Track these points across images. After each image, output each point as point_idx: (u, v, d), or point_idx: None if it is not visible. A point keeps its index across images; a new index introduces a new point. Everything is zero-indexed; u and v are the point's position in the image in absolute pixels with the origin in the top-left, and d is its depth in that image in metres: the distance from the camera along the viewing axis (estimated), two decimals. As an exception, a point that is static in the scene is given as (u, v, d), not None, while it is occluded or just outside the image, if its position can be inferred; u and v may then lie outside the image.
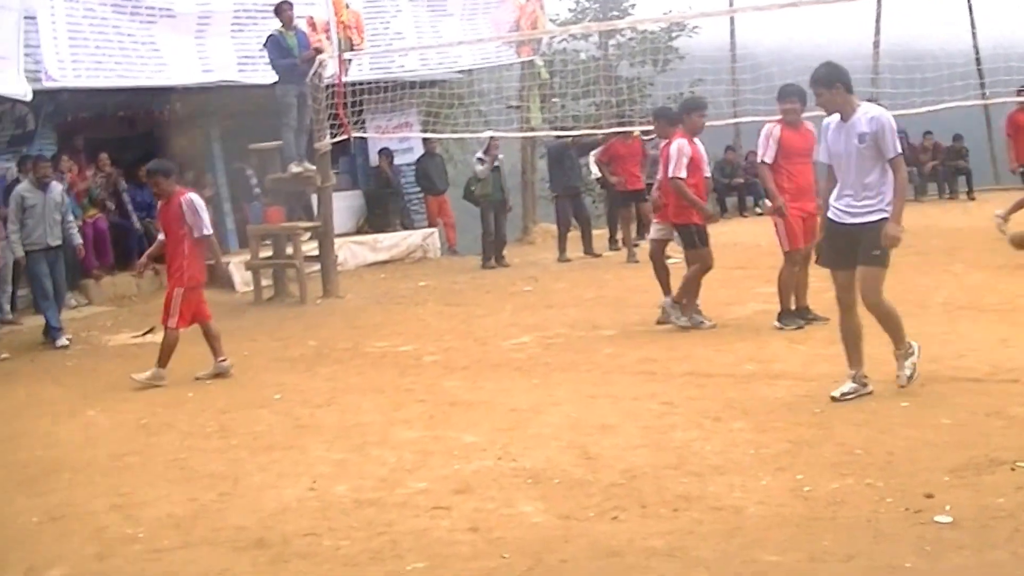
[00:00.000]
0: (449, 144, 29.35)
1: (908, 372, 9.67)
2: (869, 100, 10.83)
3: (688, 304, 13.46)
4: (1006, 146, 20.04)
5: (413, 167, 26.17)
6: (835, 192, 9.60)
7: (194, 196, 12.80)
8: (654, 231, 14.42)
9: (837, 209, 9.54)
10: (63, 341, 15.51)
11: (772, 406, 9.57)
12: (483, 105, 26.89)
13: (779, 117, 13.03)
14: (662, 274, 14.10)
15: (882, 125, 9.27)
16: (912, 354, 9.73)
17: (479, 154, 21.81)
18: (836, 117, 9.53)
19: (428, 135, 25.31)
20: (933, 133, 30.39)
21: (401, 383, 11.56)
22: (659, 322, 13.70)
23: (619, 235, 22.67)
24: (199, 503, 7.89)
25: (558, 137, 24.16)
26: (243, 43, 21.07)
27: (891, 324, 9.65)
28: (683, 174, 13.15)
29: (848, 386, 9.48)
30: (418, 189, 26.25)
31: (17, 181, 16.69)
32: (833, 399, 9.32)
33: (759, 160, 13.08)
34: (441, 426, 9.58)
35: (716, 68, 30.02)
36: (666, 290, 13.91)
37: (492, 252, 21.70)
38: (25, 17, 17.70)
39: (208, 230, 12.59)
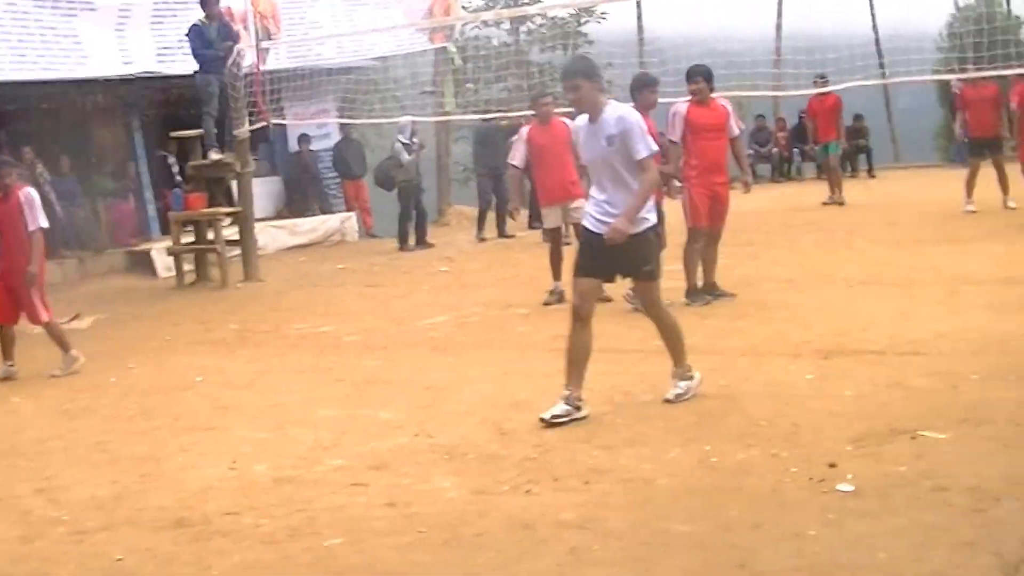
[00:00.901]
0: (365, 130, 29.43)
1: (679, 391, 8.95)
2: (729, 89, 11.00)
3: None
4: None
5: (331, 152, 26.35)
6: (591, 197, 8.93)
7: (32, 191, 12.73)
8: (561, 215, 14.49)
9: (593, 216, 8.79)
10: None
11: None
12: (399, 91, 26.98)
13: (687, 98, 13.32)
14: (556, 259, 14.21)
15: (629, 125, 8.56)
16: (691, 378, 9.06)
17: (402, 138, 21.94)
18: (585, 117, 8.83)
19: (345, 121, 25.46)
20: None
21: (320, 363, 11.69)
22: (546, 303, 14.01)
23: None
24: (121, 485, 7.91)
25: (486, 120, 24.34)
26: (163, 35, 21.16)
27: (673, 337, 9.01)
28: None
29: (560, 408, 8.48)
30: (335, 174, 26.44)
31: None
32: (543, 421, 8.39)
33: (668, 139, 13.14)
34: (359, 404, 9.70)
35: (624, 52, 30.17)
36: (558, 276, 14.06)
37: (409, 235, 21.84)
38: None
39: (45, 223, 12.60)
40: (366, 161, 26.86)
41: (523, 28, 34.32)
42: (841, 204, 22.98)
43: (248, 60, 19.71)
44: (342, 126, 25.77)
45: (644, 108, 13.00)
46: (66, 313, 16.45)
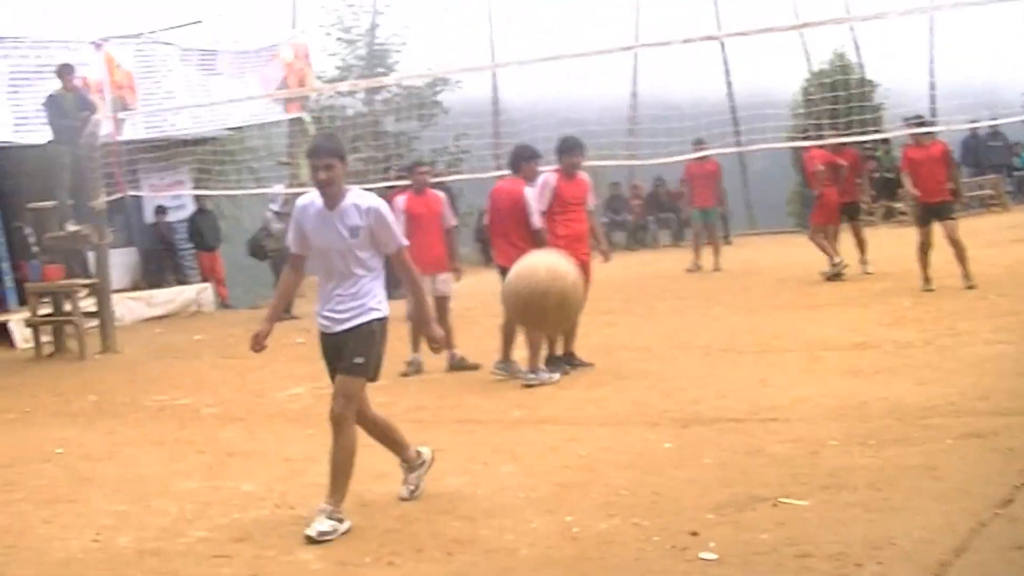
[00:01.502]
0: (221, 200, 29.45)
1: (412, 487, 8.56)
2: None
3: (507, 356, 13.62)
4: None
5: (186, 223, 26.36)
6: (321, 295, 8.17)
7: None
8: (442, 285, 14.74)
9: (325, 317, 8.10)
10: None
11: (539, 450, 9.78)
12: (254, 162, 27.14)
13: (555, 167, 13.69)
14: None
15: (381, 216, 7.91)
16: (422, 464, 8.69)
17: (273, 207, 22.00)
18: (314, 201, 8.03)
19: (200, 192, 25.52)
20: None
21: (180, 435, 11.65)
22: (404, 374, 14.21)
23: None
24: None
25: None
26: (18, 104, 21.07)
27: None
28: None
29: (325, 523, 7.67)
30: (192, 245, 26.44)
31: None
32: (309, 539, 7.57)
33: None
34: (220, 476, 9.69)
35: (479, 122, 30.62)
36: (416, 347, 14.34)
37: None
38: None
39: None
40: (220, 232, 26.91)
41: (378, 97, 34.54)
42: (699, 269, 23.40)
43: (104, 130, 19.75)
44: (197, 197, 25.81)
45: (527, 179, 13.34)
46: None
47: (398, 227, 8.22)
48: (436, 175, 14.91)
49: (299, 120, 27.79)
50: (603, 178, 30.26)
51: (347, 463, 8.00)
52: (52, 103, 18.65)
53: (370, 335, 7.98)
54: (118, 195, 20.04)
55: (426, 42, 36.14)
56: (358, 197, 8.00)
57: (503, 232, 13.29)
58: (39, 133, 19.77)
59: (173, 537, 8.00)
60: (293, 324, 19.37)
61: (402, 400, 12.56)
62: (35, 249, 22.11)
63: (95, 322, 18.93)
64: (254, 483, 9.43)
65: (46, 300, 19.39)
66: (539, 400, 12.13)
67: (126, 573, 7.32)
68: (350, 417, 8.06)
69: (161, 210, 25.72)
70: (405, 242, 8.14)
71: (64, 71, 18.72)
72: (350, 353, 7.94)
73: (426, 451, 8.82)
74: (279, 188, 22.68)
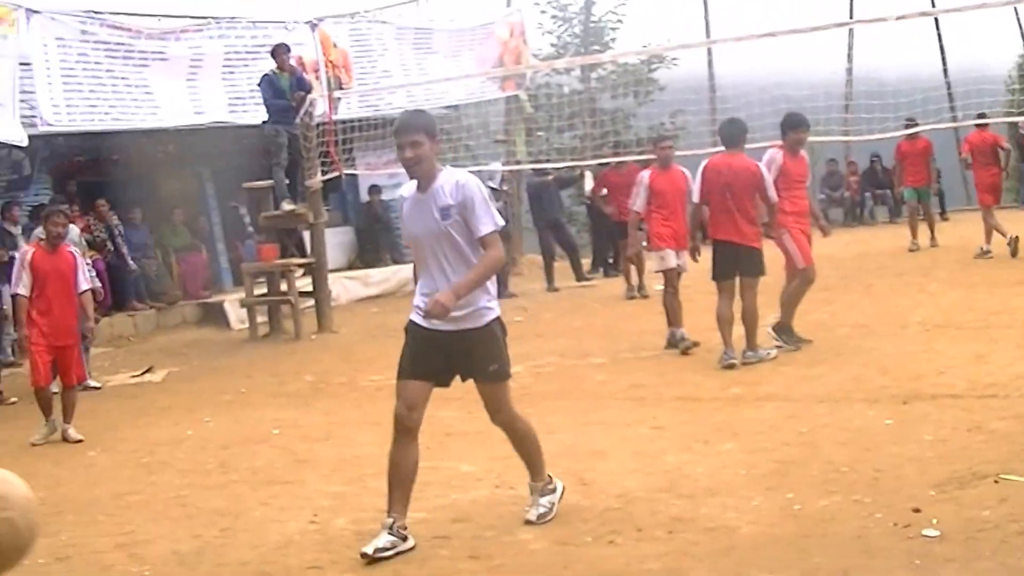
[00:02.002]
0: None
1: (543, 510, 7.69)
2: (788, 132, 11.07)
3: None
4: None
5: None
6: (420, 285, 7.48)
7: (75, 250, 12.76)
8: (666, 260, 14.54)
9: (421, 309, 7.32)
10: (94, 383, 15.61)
11: (759, 427, 9.69)
12: (470, 140, 27.04)
13: (778, 143, 13.55)
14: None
15: (470, 194, 7.16)
16: (553, 491, 7.82)
17: (491, 184, 21.89)
18: (412, 186, 7.41)
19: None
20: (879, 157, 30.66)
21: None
22: (675, 348, 13.97)
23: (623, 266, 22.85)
24: (202, 539, 7.90)
25: (535, 172, 24.35)
26: (234, 85, 21.24)
27: (528, 446, 7.80)
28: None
29: (384, 539, 7.17)
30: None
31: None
32: (364, 556, 7.08)
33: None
34: (438, 456, 9.57)
35: (696, 99, 30.21)
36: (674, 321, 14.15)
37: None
38: (20, 63, 17.91)
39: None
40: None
41: (593, 75, 34.29)
42: (917, 249, 22.78)
43: (320, 110, 19.79)
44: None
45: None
46: (139, 366, 16.56)
47: (492, 207, 7.32)
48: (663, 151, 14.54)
49: (515, 98, 27.67)
50: (820, 155, 29.79)
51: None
52: (267, 83, 18.71)
53: (494, 339, 7.44)
54: (334, 174, 20.02)
55: (641, 19, 35.79)
56: (451, 176, 7.30)
57: (728, 208, 12.81)
58: (254, 113, 19.89)
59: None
60: (510, 302, 19.20)
61: (621, 378, 12.54)
62: (250, 229, 22.39)
63: (310, 302, 18.99)
64: (472, 463, 9.41)
65: (261, 280, 19.53)
66: (757, 377, 11.99)
67: (344, 555, 7.31)
68: (513, 414, 7.74)
69: (376, 189, 25.78)
70: (501, 222, 7.36)
71: (279, 51, 18.79)
72: (480, 360, 7.42)
73: (558, 483, 7.98)
74: (496, 166, 22.49)
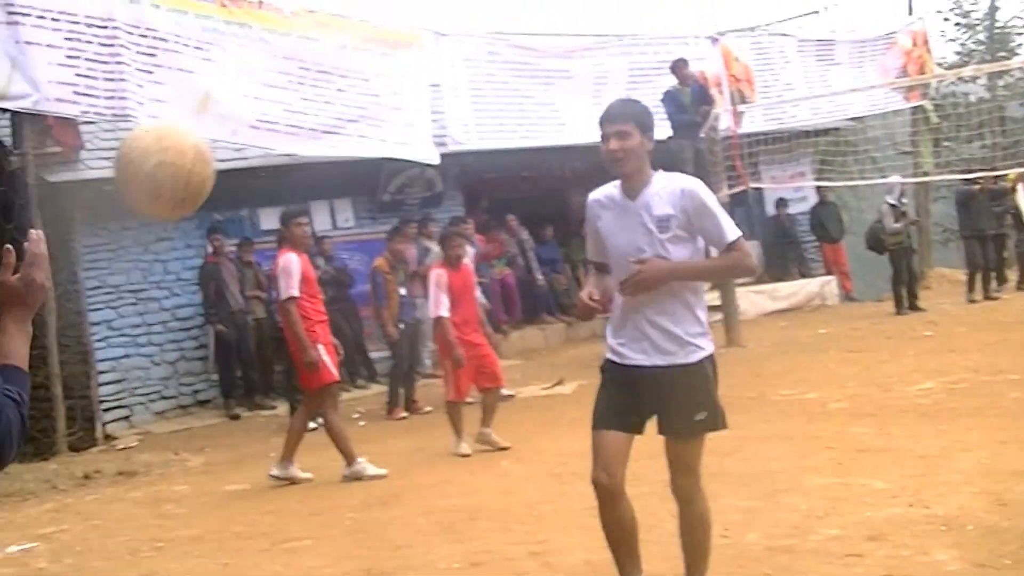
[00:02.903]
0: (843, 192, 29.12)
1: None
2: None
3: None
4: None
5: (808, 216, 26.22)
6: (617, 317, 6.29)
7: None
8: None
9: (625, 346, 6.24)
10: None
11: None
12: (875, 152, 26.62)
13: None
14: None
15: (702, 201, 6.01)
16: None
17: (890, 199, 21.49)
18: (610, 190, 6.30)
19: (822, 183, 25.28)
20: None
21: (808, 430, 11.48)
22: None
23: None
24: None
25: (965, 182, 23.70)
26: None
27: (700, 536, 6.62)
28: None
29: None
30: (814, 237, 26.27)
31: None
32: None
33: None
34: (850, 473, 9.46)
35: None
36: None
37: (903, 298, 21.30)
38: (430, 85, 18.64)
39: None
40: (843, 224, 26.56)
41: (1000, 82, 33.26)
42: None
43: (724, 124, 19.83)
44: (818, 189, 25.57)
45: None
46: (549, 378, 16.90)
47: (724, 215, 6.13)
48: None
49: (920, 108, 27.07)
50: None
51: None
52: (670, 98, 18.87)
53: (704, 380, 6.22)
54: (740, 188, 20.01)
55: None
56: (667, 179, 6.13)
57: None
58: (658, 129, 20.01)
59: (803, 534, 7.88)
60: (918, 317, 18.77)
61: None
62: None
63: (719, 316, 18.98)
64: (886, 480, 9.15)
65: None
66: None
67: (755, 570, 7.27)
68: (700, 484, 6.55)
69: (782, 202, 25.72)
70: (738, 232, 6.11)
71: (678, 66, 18.94)
72: (684, 406, 6.19)
73: None
74: (895, 179, 22.02)
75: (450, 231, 13.34)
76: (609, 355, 6.29)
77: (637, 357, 6.13)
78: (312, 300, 11.69)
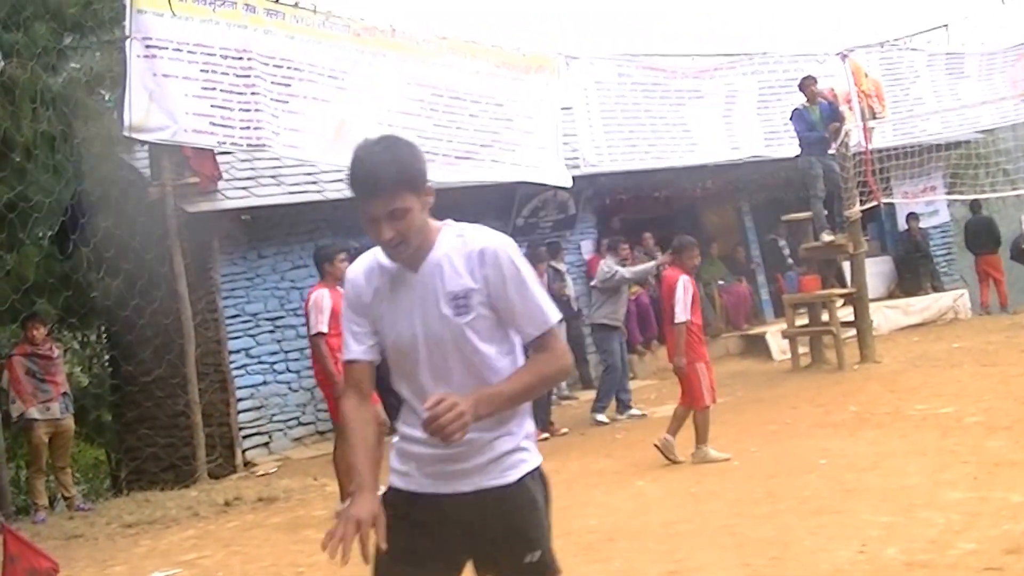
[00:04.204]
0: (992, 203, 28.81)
1: None
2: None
3: None
4: None
5: (939, 230, 26.11)
6: (406, 422, 4.44)
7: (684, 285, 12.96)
8: None
9: (416, 464, 4.39)
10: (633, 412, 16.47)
11: None
12: (1007, 164, 26.36)
13: None
14: None
15: (506, 267, 4.26)
16: None
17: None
18: (380, 257, 4.41)
19: (953, 197, 25.14)
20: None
21: (943, 445, 11.42)
22: None
23: None
24: (752, 568, 7.99)
25: None
26: (768, 119, 21.60)
27: None
28: None
29: None
30: (946, 252, 26.17)
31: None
32: None
33: None
34: (987, 487, 9.40)
35: None
36: None
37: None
38: (561, 108, 18.86)
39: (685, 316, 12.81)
40: (998, 234, 26.21)
41: None
42: None
43: (855, 139, 19.83)
44: (973, 202, 25.35)
45: None
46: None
47: (542, 288, 4.41)
48: None
49: (1051, 119, 26.77)
50: None
51: None
52: (798, 117, 18.90)
53: (531, 506, 4.43)
54: (872, 203, 19.98)
55: None
56: (459, 236, 4.33)
57: None
58: (789, 146, 20.09)
59: (941, 549, 7.84)
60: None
61: None
62: (790, 261, 22.62)
63: (852, 331, 18.96)
64: (1023, 493, 9.05)
65: (802, 311, 19.66)
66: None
67: None
68: None
69: (913, 216, 25.63)
70: (559, 314, 4.43)
71: (806, 84, 18.96)
72: (505, 546, 4.38)
73: None
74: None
75: (687, 241, 13.47)
76: (393, 479, 4.44)
77: (432, 482, 4.34)
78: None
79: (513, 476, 4.34)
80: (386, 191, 4.11)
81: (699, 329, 12.90)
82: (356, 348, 4.41)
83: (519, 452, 4.38)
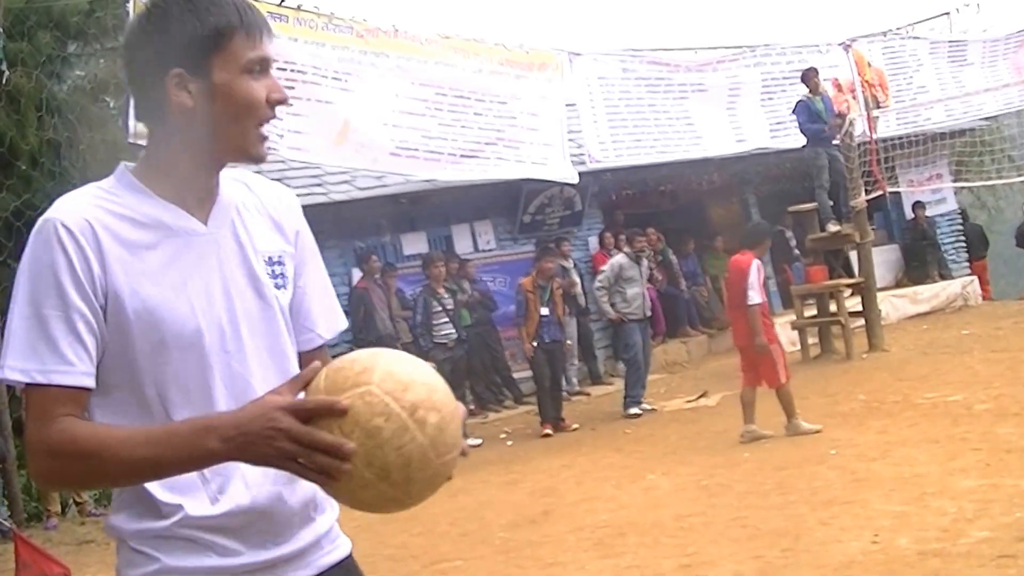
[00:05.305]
0: (981, 191, 28.85)
1: None
2: None
3: None
4: None
5: (946, 218, 26.12)
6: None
7: (757, 265, 13.21)
8: None
9: (210, 532, 2.62)
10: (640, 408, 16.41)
11: None
12: (1012, 150, 26.35)
13: None
14: None
15: (308, 232, 2.98)
16: None
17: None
18: (129, 201, 2.69)
19: (960, 185, 25.15)
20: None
21: (954, 433, 11.40)
22: None
23: None
24: (764, 560, 7.98)
25: None
26: (773, 110, 21.56)
27: None
28: None
29: None
30: (954, 239, 26.19)
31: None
32: None
33: None
34: (998, 474, 9.38)
35: None
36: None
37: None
38: (566, 105, 18.87)
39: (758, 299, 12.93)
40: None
41: None
42: None
43: (859, 129, 19.81)
44: (962, 212, 25.44)
45: None
46: (693, 391, 17.00)
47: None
48: None
49: (1053, 106, 26.77)
50: None
51: None
52: (802, 108, 18.88)
53: None
54: (878, 193, 19.96)
55: None
56: (234, 182, 2.94)
57: None
58: (794, 137, 20.07)
59: (954, 537, 7.83)
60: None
61: None
62: (796, 252, 22.62)
63: (860, 321, 18.95)
64: (1035, 481, 9.04)
65: (810, 302, 19.66)
66: None
67: (906, 574, 7.24)
68: None
69: (920, 205, 25.61)
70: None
71: (808, 75, 18.95)
72: None
73: None
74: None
75: (763, 228, 14.49)
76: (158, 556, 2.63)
77: (237, 553, 2.67)
78: None
79: (345, 550, 2.95)
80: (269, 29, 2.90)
81: (767, 311, 13.23)
82: (75, 361, 2.54)
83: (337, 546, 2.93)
